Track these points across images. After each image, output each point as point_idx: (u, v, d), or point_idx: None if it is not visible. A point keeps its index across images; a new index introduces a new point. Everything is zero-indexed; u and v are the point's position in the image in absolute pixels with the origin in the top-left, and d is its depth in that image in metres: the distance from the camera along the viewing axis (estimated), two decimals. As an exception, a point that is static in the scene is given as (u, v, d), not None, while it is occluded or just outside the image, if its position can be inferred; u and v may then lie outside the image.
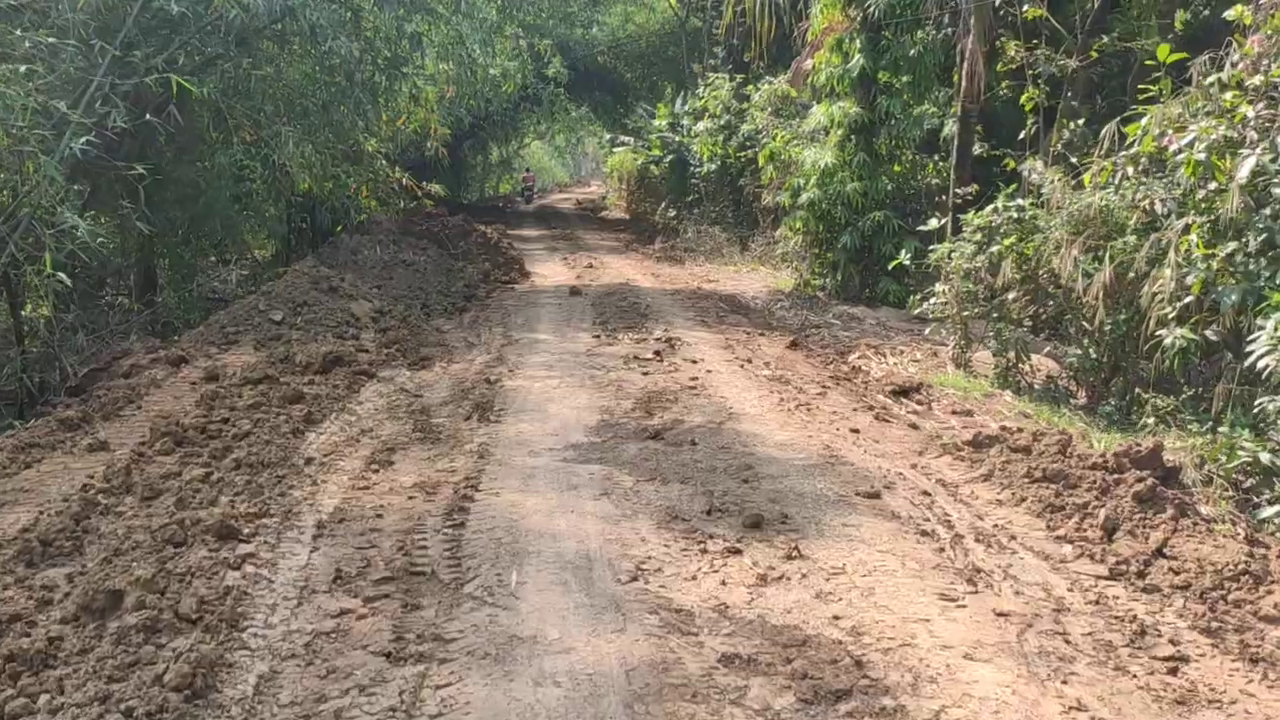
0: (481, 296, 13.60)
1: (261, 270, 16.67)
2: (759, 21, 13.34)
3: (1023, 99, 15.75)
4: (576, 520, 5.12)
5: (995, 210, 9.99)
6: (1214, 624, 3.99)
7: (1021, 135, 16.20)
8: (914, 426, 7.39)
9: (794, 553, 4.64)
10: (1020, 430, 6.98)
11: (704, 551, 4.68)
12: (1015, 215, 9.86)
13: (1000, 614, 4.01)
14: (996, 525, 5.12)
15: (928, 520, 5.16)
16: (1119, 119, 8.11)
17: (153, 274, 14.79)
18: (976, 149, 15.10)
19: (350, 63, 13.16)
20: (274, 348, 9.21)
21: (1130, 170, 7.72)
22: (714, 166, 21.07)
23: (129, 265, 14.74)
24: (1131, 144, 7.82)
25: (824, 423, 7.28)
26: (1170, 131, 7.48)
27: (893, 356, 10.90)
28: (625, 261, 19.78)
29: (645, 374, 8.73)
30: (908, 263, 11.17)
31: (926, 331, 11.07)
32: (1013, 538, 4.94)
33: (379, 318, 11.15)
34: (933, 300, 10.75)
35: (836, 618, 4.00)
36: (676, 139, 26.19)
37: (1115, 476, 5.54)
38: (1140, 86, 8.69)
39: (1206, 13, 18.60)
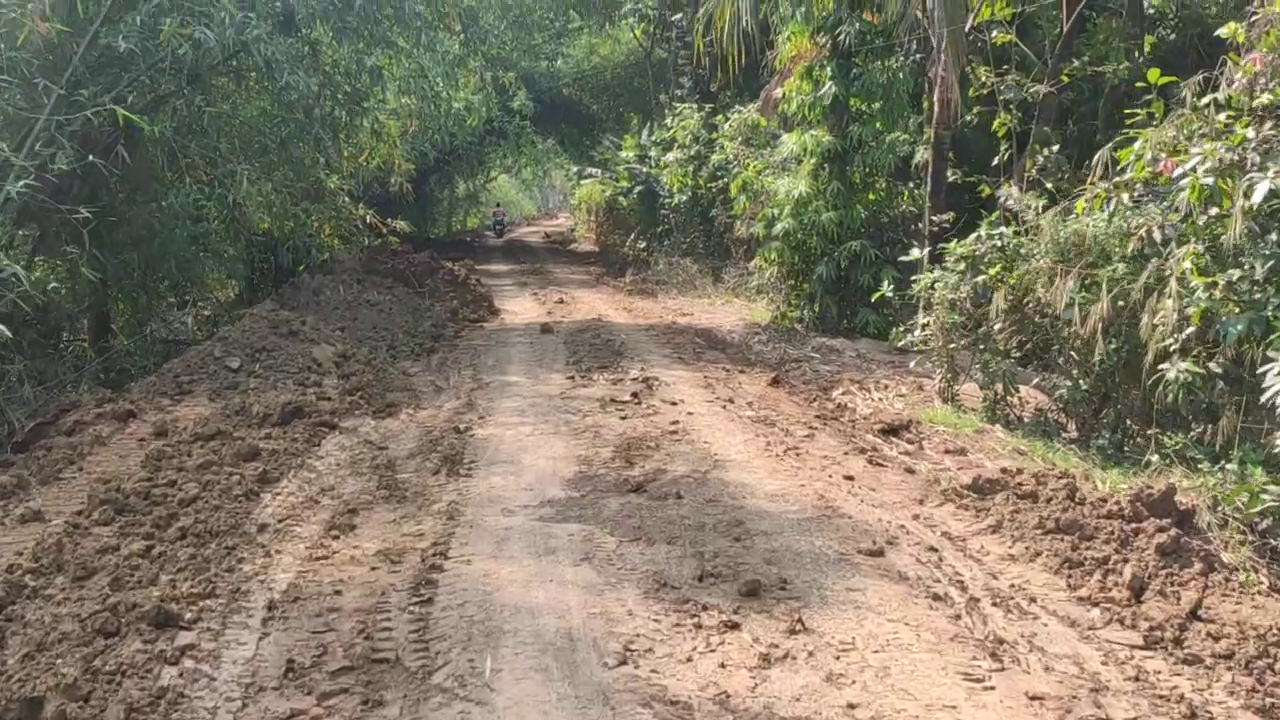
0: (450, 336, 13.13)
1: (224, 312, 16.12)
2: (728, 49, 13.04)
3: (995, 125, 15.60)
4: (556, 591, 4.66)
5: (979, 239, 9.72)
6: (1268, 700, 3.60)
7: (996, 161, 16.06)
8: (910, 470, 7.01)
9: (797, 625, 4.21)
10: (1020, 471, 6.62)
11: (698, 626, 4.24)
12: (999, 244, 9.60)
13: (1034, 697, 3.60)
14: (1013, 585, 4.73)
15: (938, 581, 4.76)
16: (1112, 143, 7.83)
17: (107, 319, 14.22)
18: (950, 176, 14.92)
19: (308, 98, 12.74)
20: (230, 398, 8.70)
21: (1125, 196, 7.43)
22: (684, 198, 20.78)
23: (81, 311, 14.17)
24: (1123, 169, 7.55)
25: (815, 469, 6.88)
26: (1164, 156, 7.21)
27: (877, 391, 10.55)
28: (597, 296, 19.39)
29: (623, 418, 8.30)
30: (891, 294, 10.86)
31: (912, 365, 10.75)
32: (1033, 600, 4.55)
33: (342, 362, 10.65)
34: (916, 332, 10.45)
35: (852, 706, 3.58)
36: (644, 170, 25.94)
37: (1133, 526, 5.18)
38: (1126, 110, 8.45)
39: (1173, 36, 18.66)
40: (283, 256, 16.08)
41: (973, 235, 9.85)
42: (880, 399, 10.25)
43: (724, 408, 8.82)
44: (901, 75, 13.85)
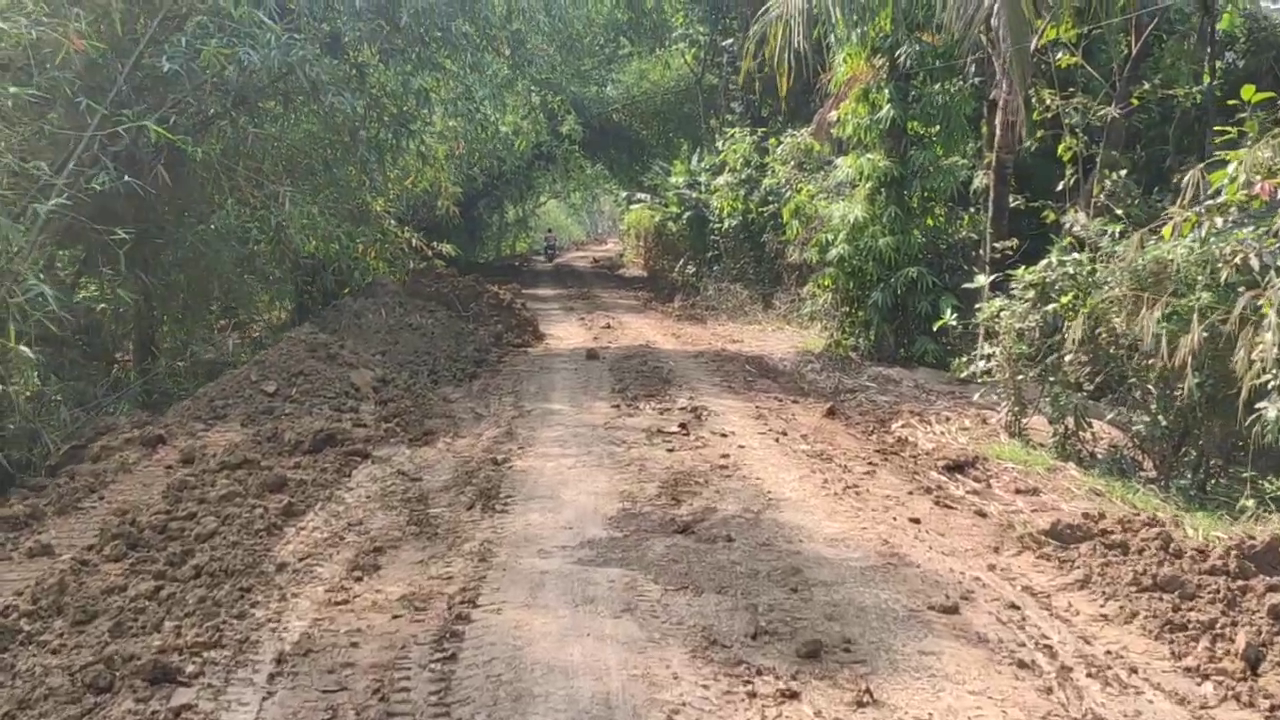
0: (493, 361, 12.79)
1: (274, 334, 15.96)
2: (780, 71, 12.64)
3: (1060, 149, 15.03)
4: (594, 648, 4.21)
5: (1050, 266, 9.19)
6: None
7: (1061, 186, 15.46)
8: (980, 513, 6.46)
9: (865, 697, 3.71)
10: (1103, 516, 6.06)
11: (752, 695, 3.76)
12: (1072, 271, 9.06)
13: (1149, 796, 3.09)
14: (1109, 652, 4.18)
15: (1023, 645, 4.23)
16: (1202, 164, 7.27)
17: (151, 341, 14.10)
18: (1010, 201, 14.37)
19: (354, 120, 12.55)
20: (263, 424, 8.39)
21: (1218, 220, 6.86)
22: (735, 222, 20.34)
23: (125, 332, 14.08)
24: (1215, 192, 7.00)
25: (877, 509, 6.37)
26: (1259, 178, 6.65)
27: (939, 424, 9.99)
28: (644, 321, 19.00)
29: (670, 450, 7.85)
30: (954, 322, 10.32)
31: (976, 397, 10.21)
32: (1133, 670, 4.00)
33: (381, 387, 10.34)
34: (981, 363, 9.91)
35: (933, 800, 3.08)
36: (694, 195, 25.60)
37: (1240, 584, 4.61)
38: (1217, 129, 7.90)
39: (1243, 62, 17.95)
40: (325, 279, 15.92)
41: (1043, 262, 9.34)
42: (943, 432, 9.71)
43: (777, 440, 8.33)
44: (962, 98, 13.33)
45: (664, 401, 9.96)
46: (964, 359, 11.08)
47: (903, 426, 9.77)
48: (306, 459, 7.38)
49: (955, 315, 10.38)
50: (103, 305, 13.74)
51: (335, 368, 10.17)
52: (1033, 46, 13.59)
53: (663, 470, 7.24)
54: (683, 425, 8.66)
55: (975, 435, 9.58)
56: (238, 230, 12.28)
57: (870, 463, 7.79)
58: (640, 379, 11.26)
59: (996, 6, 10.85)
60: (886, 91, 13.31)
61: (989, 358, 9.75)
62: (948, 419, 10.26)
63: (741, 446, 8.00)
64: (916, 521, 6.11)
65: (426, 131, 15.68)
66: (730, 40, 25.05)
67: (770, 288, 20.80)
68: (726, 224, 20.60)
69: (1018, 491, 7.60)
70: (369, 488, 6.87)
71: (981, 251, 14.61)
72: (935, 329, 10.80)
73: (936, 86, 13.43)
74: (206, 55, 9.79)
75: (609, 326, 17.47)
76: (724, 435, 8.42)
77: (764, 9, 12.94)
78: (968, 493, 7.35)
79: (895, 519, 6.14)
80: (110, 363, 14.43)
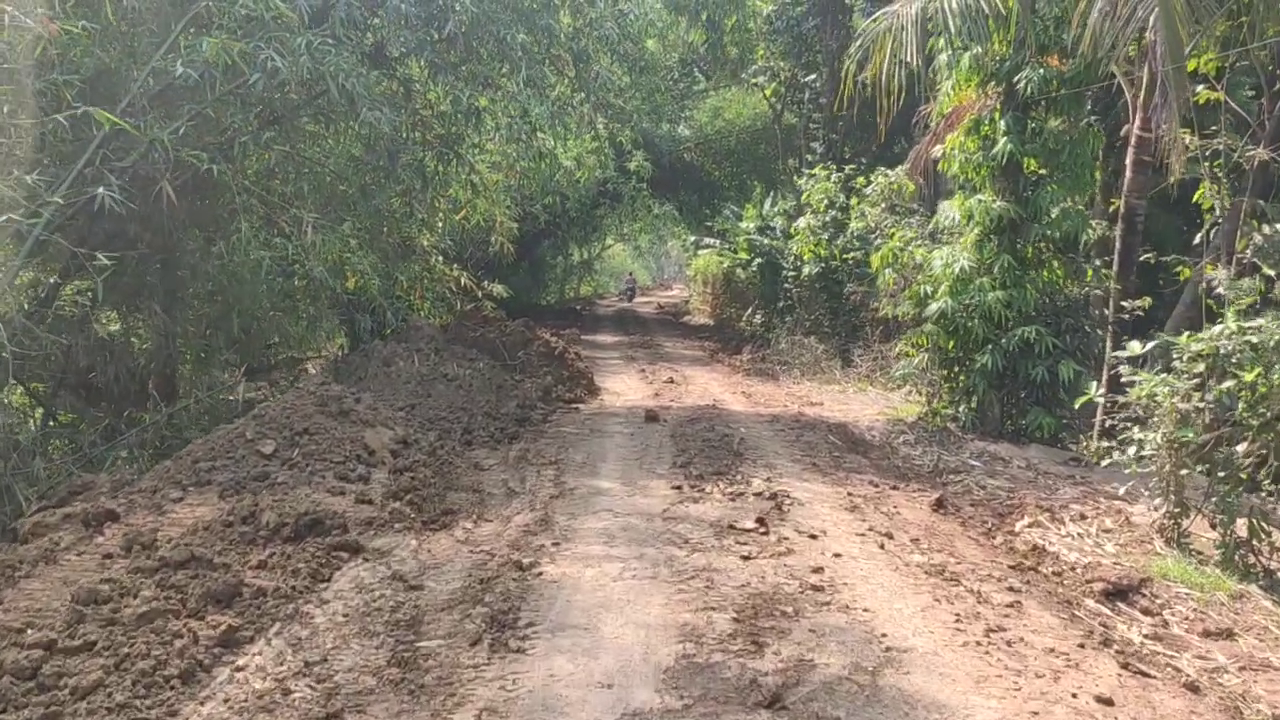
0: (538, 421, 11.15)
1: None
2: (888, 91, 10.93)
3: (1196, 195, 13.08)
4: None
5: (1227, 334, 7.34)
6: None
7: (1198, 239, 13.48)
8: (1193, 688, 4.57)
9: None
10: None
11: None
12: (1254, 340, 7.20)
13: None
14: None
15: None
16: None
17: (172, 380, 12.73)
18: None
19: (393, 140, 11.12)
20: (244, 497, 6.82)
21: None
22: (816, 270, 18.54)
23: (143, 371, 12.76)
24: None
25: (1044, 676, 4.51)
26: None
27: (1074, 525, 8.09)
28: (711, 375, 17.26)
29: (746, 558, 6.06)
30: (1100, 398, 8.45)
31: (1122, 490, 8.33)
32: None
33: (401, 450, 8.75)
34: (1131, 450, 8.01)
35: None
36: (765, 242, 23.94)
37: None
38: None
39: None
40: (359, 320, 14.51)
41: (1217, 328, 7.50)
42: (1081, 535, 7.81)
43: (882, 547, 6.49)
44: (1092, 132, 11.48)
45: (735, 482, 8.18)
46: (1101, 444, 9.14)
47: (1030, 526, 7.89)
48: (280, 552, 5.76)
49: (1102, 391, 8.45)
50: (131, 339, 12.51)
51: (347, 426, 8.60)
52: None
53: (737, 590, 5.46)
54: (760, 520, 6.87)
55: (1122, 541, 7.68)
56: (267, 261, 10.85)
57: (1009, 585, 5.92)
58: (707, 450, 9.50)
59: (1154, 19, 9.02)
60: (1003, 123, 11.51)
61: (1140, 444, 7.87)
62: (1083, 516, 8.35)
63: (838, 555, 6.18)
64: (1108, 703, 4.24)
65: (479, 159, 14.28)
66: (813, 76, 23.47)
67: (846, 342, 18.96)
68: (807, 271, 18.78)
69: (1206, 634, 5.72)
70: (350, 600, 5.20)
71: (1106, 311, 12.69)
72: (1077, 404, 8.87)
73: (1057, 120, 11.61)
74: (213, 49, 8.41)
75: (672, 381, 15.77)
76: (813, 536, 6.61)
77: (870, 22, 11.27)
78: (1145, 637, 5.47)
79: (1076, 697, 4.27)
80: (119, 405, 13.13)
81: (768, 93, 24.11)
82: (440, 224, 15.51)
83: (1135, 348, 8.14)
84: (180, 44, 9.70)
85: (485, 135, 12.92)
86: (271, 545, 5.94)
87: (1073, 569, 6.67)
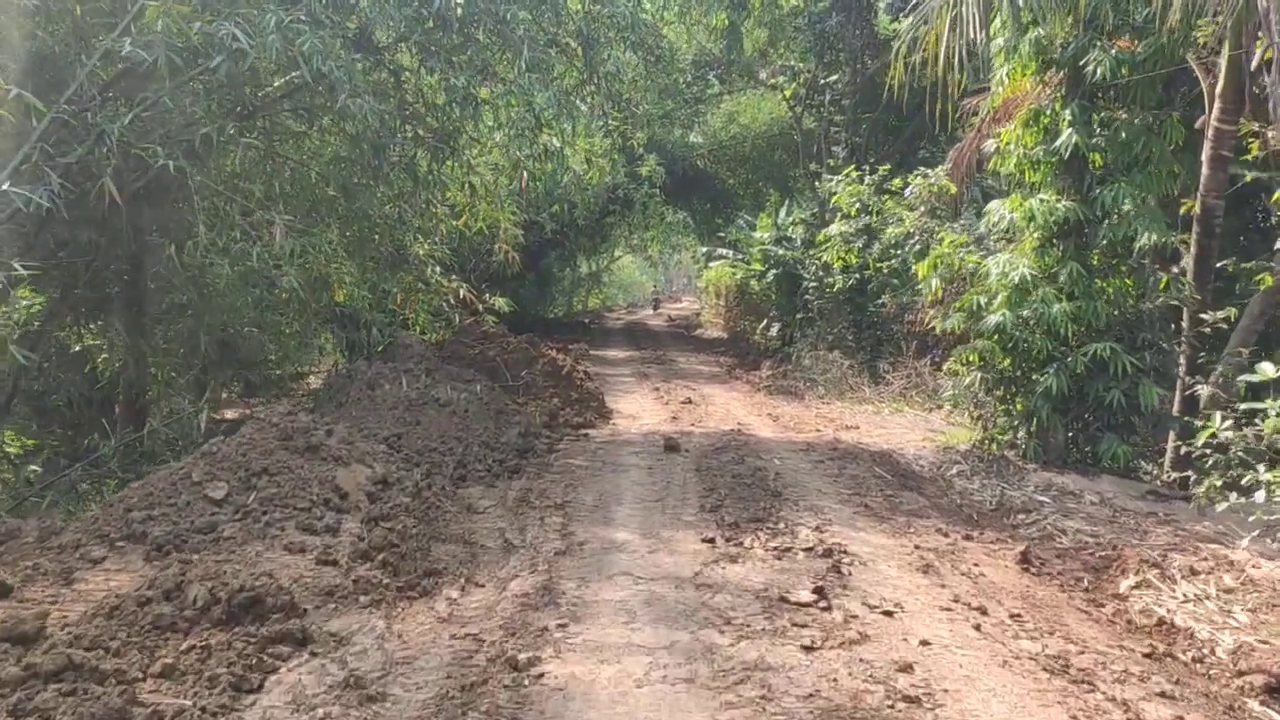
0: (542, 451, 9.78)
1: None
2: (944, 73, 9.57)
3: (1277, 196, 11.68)
4: None
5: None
6: None
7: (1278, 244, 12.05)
8: None
9: None
10: None
11: None
12: None
13: None
14: None
15: None
16: None
17: (139, 402, 11.40)
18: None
19: (377, 133, 9.80)
20: (170, 563, 5.48)
21: None
22: (848, 280, 17.08)
23: (106, 392, 11.46)
24: None
25: None
26: None
27: (1186, 582, 6.69)
28: (730, 395, 15.90)
29: (809, 648, 4.68)
30: (1227, 433, 7.06)
31: (1244, 543, 6.95)
32: None
33: (380, 492, 7.40)
34: (1259, 494, 6.64)
35: None
36: (782, 252, 22.61)
37: None
38: None
39: None
40: (352, 335, 13.17)
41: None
42: (1199, 596, 6.43)
43: (978, 628, 5.10)
44: (1170, 123, 10.09)
45: (778, 532, 6.80)
46: (1213, 482, 7.75)
47: (1138, 587, 6.50)
48: (201, 647, 4.40)
49: (1227, 423, 7.05)
50: (94, 358, 11.25)
51: (316, 464, 7.24)
52: (1253, 65, 10.39)
53: (803, 703, 4.07)
54: (818, 590, 5.47)
55: (1251, 605, 6.30)
56: (227, 271, 9.52)
57: (1158, 689, 4.51)
58: (739, 489, 8.12)
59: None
60: (1067, 112, 10.14)
61: (1270, 487, 6.52)
62: (1193, 571, 6.94)
63: (926, 644, 4.78)
64: None
65: (479, 159, 12.94)
66: (835, 76, 22.16)
67: (871, 356, 17.58)
68: (839, 282, 17.33)
69: None
70: (283, 721, 3.84)
71: (1180, 324, 11.31)
72: (1202, 440, 7.46)
73: (1128, 110, 10.25)
74: (152, 14, 7.13)
75: (689, 401, 14.41)
76: (888, 613, 5.22)
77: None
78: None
79: None
80: (79, 431, 11.83)
81: (787, 94, 22.77)
82: (437, 231, 14.19)
83: (1268, 370, 6.75)
84: (132, 25, 8.41)
85: (485, 131, 11.57)
86: (194, 634, 4.59)
87: (1213, 652, 5.29)
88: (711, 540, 6.56)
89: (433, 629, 4.98)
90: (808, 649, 4.64)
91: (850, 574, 5.88)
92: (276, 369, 14.10)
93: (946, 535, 7.10)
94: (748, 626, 4.93)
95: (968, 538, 7.11)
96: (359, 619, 5.03)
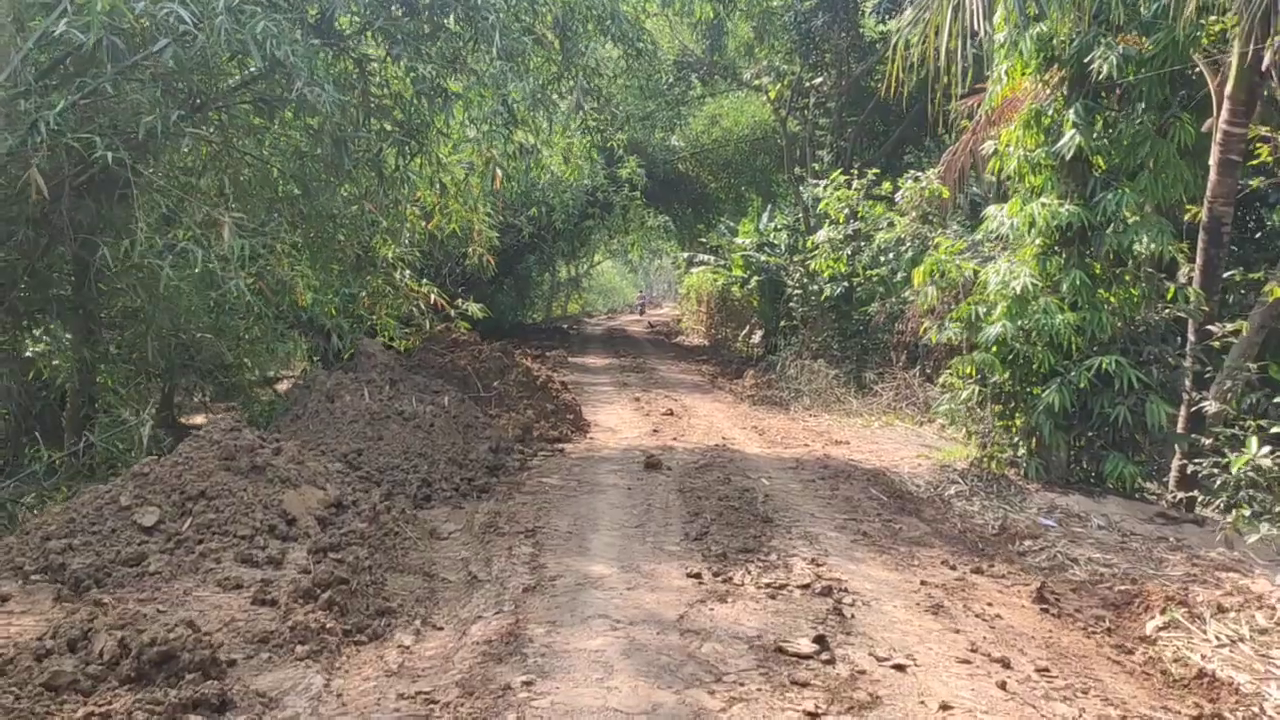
0: (514, 469, 9.12)
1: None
2: (946, 71, 9.01)
3: (1285, 206, 11.21)
4: None
5: None
6: None
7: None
8: None
9: None
10: None
11: None
12: None
13: None
14: None
15: None
16: None
17: (86, 410, 10.65)
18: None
19: (342, 126, 9.14)
20: (82, 605, 4.79)
21: None
22: (835, 289, 16.49)
23: (45, 402, 10.71)
24: None
25: None
26: None
27: (1217, 621, 6.14)
28: (714, 405, 15.28)
29: (813, 715, 4.04)
30: (1264, 461, 6.50)
31: (1258, 571, 6.40)
32: None
33: (332, 517, 6.71)
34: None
35: None
36: (764, 258, 22.08)
37: None
38: None
39: None
40: (318, 342, 12.44)
41: None
42: (1233, 638, 5.88)
43: (1003, 686, 4.48)
44: (1180, 124, 9.57)
45: (771, 565, 6.16)
46: (1241, 513, 7.18)
47: (1166, 629, 5.94)
48: (101, 712, 3.72)
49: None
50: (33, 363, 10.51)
51: (262, 486, 6.55)
52: (1265, 61, 9.91)
53: (813, 787, 3.44)
54: (819, 638, 4.84)
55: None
56: (167, 271, 8.81)
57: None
58: (726, 513, 7.47)
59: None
60: (1071, 112, 9.61)
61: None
62: (1221, 609, 6.39)
63: (947, 707, 4.15)
64: None
65: (452, 158, 12.27)
66: (820, 78, 21.61)
67: (858, 366, 17.03)
68: (828, 290, 16.73)
69: None
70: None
71: (1184, 337, 10.79)
72: (1236, 468, 6.90)
73: (1133, 110, 9.73)
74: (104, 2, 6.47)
75: (672, 413, 13.77)
76: (899, 667, 4.59)
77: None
78: None
79: None
80: (10, 445, 11.05)
81: (771, 95, 22.21)
82: (407, 232, 13.50)
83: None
84: (69, 6, 7.72)
85: (457, 127, 10.90)
86: (96, 696, 3.91)
87: (1263, 710, 4.70)
88: (698, 575, 5.91)
89: (378, 686, 4.32)
90: (811, 716, 4.00)
91: (853, 616, 5.25)
92: (237, 376, 13.37)
93: (954, 568, 6.49)
94: (741, 685, 4.29)
95: (977, 571, 6.50)
96: (294, 674, 4.36)
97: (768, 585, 5.73)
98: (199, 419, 13.92)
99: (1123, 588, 6.65)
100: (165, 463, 6.48)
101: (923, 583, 6.03)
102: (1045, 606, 5.90)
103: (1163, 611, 6.15)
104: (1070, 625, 5.64)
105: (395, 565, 6.24)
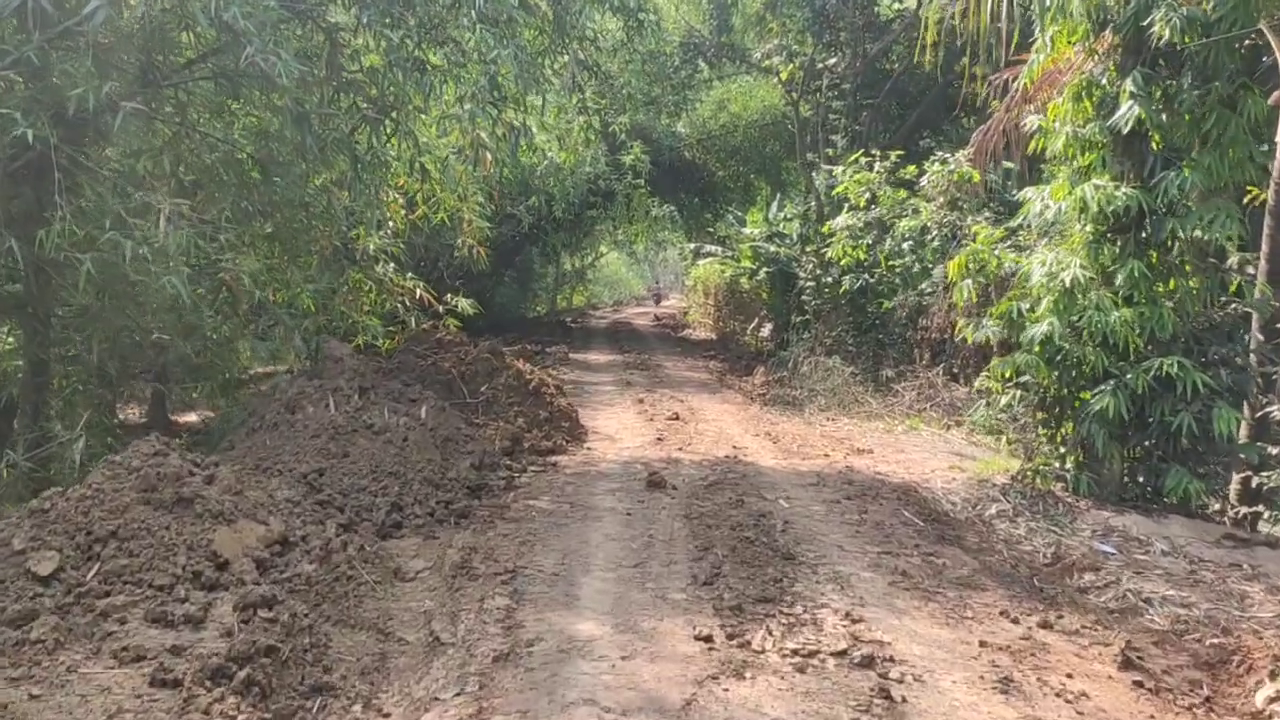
0: (499, 489, 8.04)
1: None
2: (986, 36, 7.87)
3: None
4: None
5: None
6: None
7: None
8: None
9: None
10: None
11: None
12: None
13: None
14: None
15: None
16: None
17: (37, 416, 9.59)
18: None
19: (303, 102, 8.06)
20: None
21: None
22: (855, 281, 15.34)
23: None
24: None
25: None
26: None
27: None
28: (723, 407, 14.19)
29: None
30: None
31: None
32: None
33: (276, 556, 5.65)
34: None
35: None
36: (774, 249, 21.00)
37: None
38: None
39: None
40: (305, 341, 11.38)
41: None
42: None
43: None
44: (1253, 97, 8.42)
45: (797, 622, 5.08)
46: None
47: (1278, 699, 4.84)
48: None
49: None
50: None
51: (189, 523, 5.49)
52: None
53: None
54: (868, 737, 3.77)
55: None
56: (88, 265, 7.74)
57: None
58: (740, 547, 6.38)
59: None
60: (1129, 81, 8.47)
61: None
62: (1336, 665, 5.28)
63: None
64: None
65: (438, 140, 11.20)
66: (834, 59, 20.47)
67: (874, 363, 15.93)
68: (846, 283, 15.58)
69: None
70: None
71: (1246, 334, 9.68)
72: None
73: (1196, 80, 8.60)
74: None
75: (677, 416, 12.69)
76: (975, 782, 3.53)
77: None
78: None
79: None
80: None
81: (783, 76, 21.07)
82: (389, 222, 12.42)
83: None
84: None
85: (439, 105, 9.82)
86: None
87: None
88: (708, 638, 4.82)
89: (289, 817, 3.26)
90: None
91: (904, 699, 4.17)
92: (209, 377, 12.32)
93: (1016, 622, 5.40)
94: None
95: (1044, 625, 5.40)
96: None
97: (794, 652, 4.64)
98: (191, 416, 12.94)
99: (1215, 640, 5.58)
100: (72, 496, 5.42)
101: (982, 644, 4.94)
102: (1138, 680, 4.80)
103: (1272, 676, 5.07)
104: (1171, 703, 4.55)
105: (345, 618, 5.18)
